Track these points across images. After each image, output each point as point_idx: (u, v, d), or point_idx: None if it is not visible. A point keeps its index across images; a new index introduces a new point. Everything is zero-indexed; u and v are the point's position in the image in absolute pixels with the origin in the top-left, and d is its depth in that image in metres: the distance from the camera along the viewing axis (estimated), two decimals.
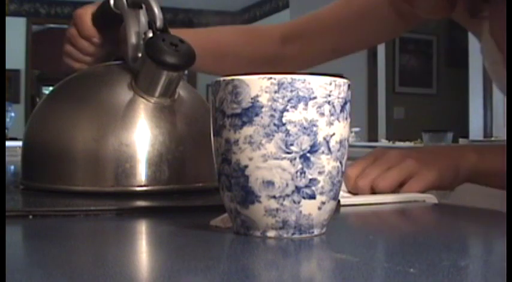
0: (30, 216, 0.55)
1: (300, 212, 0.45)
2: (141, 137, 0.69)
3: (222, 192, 0.47)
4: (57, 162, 0.70)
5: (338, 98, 0.46)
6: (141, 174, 0.68)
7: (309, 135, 0.44)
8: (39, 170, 0.73)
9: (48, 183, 0.71)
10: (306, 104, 0.44)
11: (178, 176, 0.70)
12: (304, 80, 0.44)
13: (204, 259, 0.42)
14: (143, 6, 0.76)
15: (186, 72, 0.75)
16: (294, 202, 0.45)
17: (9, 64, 5.35)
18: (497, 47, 0.88)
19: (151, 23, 0.72)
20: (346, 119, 0.47)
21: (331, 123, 0.45)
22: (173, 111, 0.72)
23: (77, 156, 0.69)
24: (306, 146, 0.44)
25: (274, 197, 0.45)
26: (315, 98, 0.44)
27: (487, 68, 0.97)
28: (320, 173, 0.45)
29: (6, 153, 1.39)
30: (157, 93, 0.71)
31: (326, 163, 0.45)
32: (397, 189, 0.72)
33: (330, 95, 0.45)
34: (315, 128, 0.44)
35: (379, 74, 4.84)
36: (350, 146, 0.49)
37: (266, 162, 0.44)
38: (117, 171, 0.68)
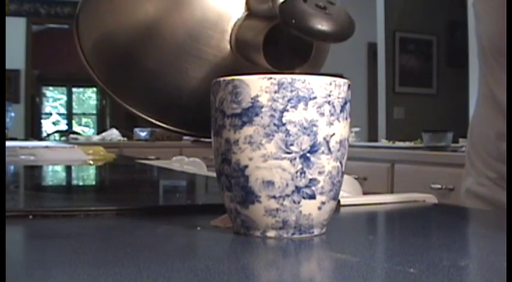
0: (30, 216, 0.55)
1: (300, 212, 0.45)
2: None
3: (222, 192, 0.47)
4: None
5: (338, 98, 0.46)
6: None
7: (309, 135, 0.44)
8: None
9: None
10: (306, 104, 0.44)
11: None
12: (304, 80, 0.44)
13: (204, 259, 0.42)
14: None
15: None
16: (294, 202, 0.45)
17: (9, 64, 5.35)
18: None
19: None
20: (346, 119, 0.47)
21: (331, 123, 0.45)
22: None
23: None
24: (306, 146, 0.44)
25: (274, 197, 0.45)
26: (315, 98, 0.44)
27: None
28: (320, 173, 0.45)
29: (6, 153, 1.39)
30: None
31: (326, 163, 0.45)
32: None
33: (330, 95, 0.45)
34: (315, 128, 0.44)
35: (379, 74, 4.84)
36: (350, 146, 0.49)
37: (266, 162, 0.44)
38: None
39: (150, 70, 0.65)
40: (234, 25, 0.61)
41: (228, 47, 0.62)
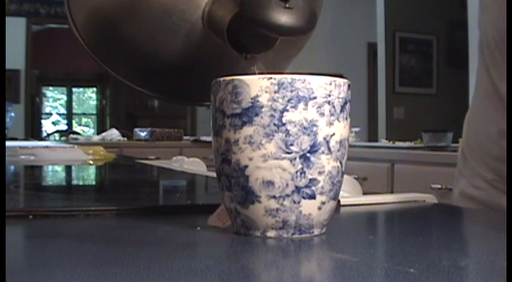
0: (30, 216, 0.55)
1: (300, 212, 0.45)
2: None
3: (222, 192, 0.47)
4: None
5: (338, 98, 0.46)
6: None
7: (309, 135, 0.44)
8: None
9: None
10: (306, 104, 0.44)
11: None
12: (304, 80, 0.44)
13: (204, 259, 0.42)
14: None
15: None
16: (294, 202, 0.45)
17: (9, 64, 5.35)
18: None
19: None
20: (346, 119, 0.47)
21: (331, 123, 0.45)
22: None
23: None
24: (306, 146, 0.44)
25: (274, 197, 0.45)
26: (315, 98, 0.44)
27: None
28: (320, 173, 0.45)
29: (6, 153, 1.39)
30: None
31: (326, 163, 0.45)
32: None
33: (330, 95, 0.45)
34: (315, 128, 0.44)
35: (379, 74, 4.84)
36: (350, 146, 0.49)
37: (266, 162, 0.44)
38: None
39: (129, 41, 0.68)
40: (208, 0, 0.62)
41: (201, 22, 0.63)
